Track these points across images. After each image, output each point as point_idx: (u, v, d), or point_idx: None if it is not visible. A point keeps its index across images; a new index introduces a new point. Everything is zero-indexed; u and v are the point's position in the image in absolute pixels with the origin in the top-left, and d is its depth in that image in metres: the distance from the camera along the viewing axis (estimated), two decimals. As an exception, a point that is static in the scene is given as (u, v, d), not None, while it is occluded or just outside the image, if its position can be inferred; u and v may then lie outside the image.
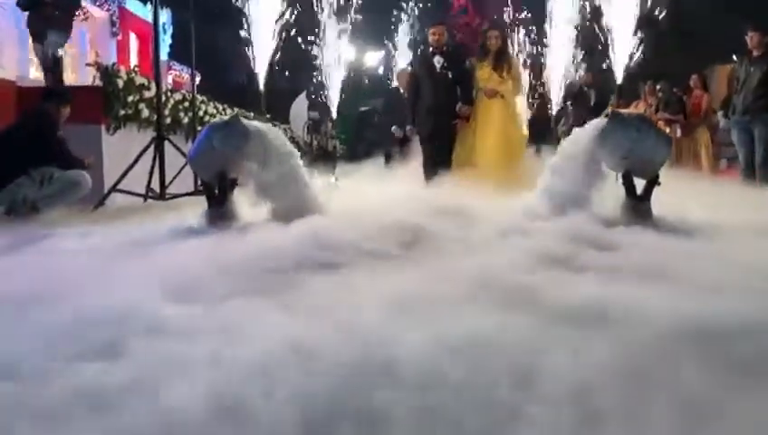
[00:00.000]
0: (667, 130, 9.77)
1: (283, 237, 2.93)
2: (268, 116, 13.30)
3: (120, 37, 16.55)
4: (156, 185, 6.03)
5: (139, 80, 6.75)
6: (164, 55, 18.63)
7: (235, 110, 10.45)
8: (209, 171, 3.93)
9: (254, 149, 3.82)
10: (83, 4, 14.25)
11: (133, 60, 16.93)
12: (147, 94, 6.69)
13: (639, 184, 3.70)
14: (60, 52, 6.66)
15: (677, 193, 4.52)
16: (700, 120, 9.88)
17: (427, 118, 6.97)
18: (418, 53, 7.63)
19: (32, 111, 5.22)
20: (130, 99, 6.51)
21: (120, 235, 3.66)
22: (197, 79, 8.54)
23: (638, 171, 3.70)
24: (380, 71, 22.21)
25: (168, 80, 18.21)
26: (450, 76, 6.86)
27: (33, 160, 4.94)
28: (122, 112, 6.45)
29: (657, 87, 10.44)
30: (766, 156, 7.13)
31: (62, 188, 5.00)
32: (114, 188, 5.53)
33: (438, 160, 6.75)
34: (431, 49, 7.09)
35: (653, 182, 3.68)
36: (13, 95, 6.82)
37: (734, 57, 8.04)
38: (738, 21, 8.21)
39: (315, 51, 16.88)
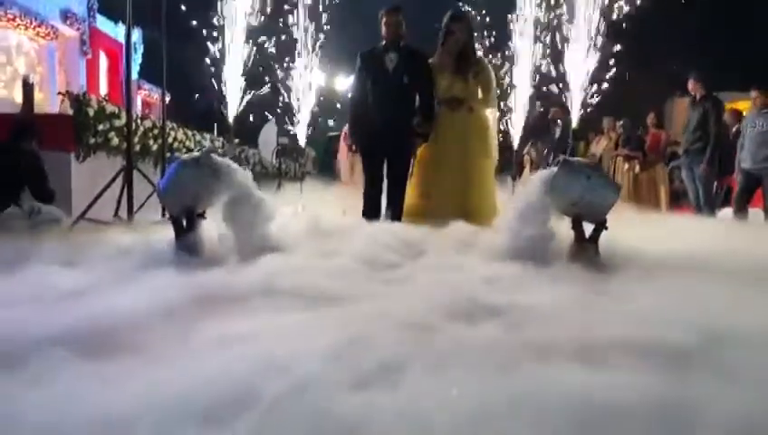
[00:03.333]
0: (627, 165, 10.17)
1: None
2: (237, 140, 13.46)
3: (89, 56, 16.52)
4: (123, 212, 6.14)
5: (110, 108, 6.84)
6: (134, 74, 18.63)
7: (206, 138, 10.56)
8: (177, 206, 4.02)
9: (223, 187, 3.94)
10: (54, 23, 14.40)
11: (102, 78, 16.96)
12: (117, 123, 6.79)
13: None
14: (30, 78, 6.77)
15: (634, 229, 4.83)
16: (658, 156, 10.27)
17: (371, 133, 5.48)
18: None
19: (14, 148, 5.35)
20: (101, 127, 6.61)
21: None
22: (167, 99, 8.60)
23: (587, 216, 3.91)
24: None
25: (138, 100, 18.22)
26: (406, 81, 5.38)
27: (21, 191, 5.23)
28: (92, 141, 6.54)
29: (619, 123, 10.84)
30: (706, 194, 7.63)
31: (47, 222, 5.17)
32: (82, 216, 5.62)
33: (390, 189, 5.48)
34: (383, 43, 5.52)
35: (601, 226, 3.89)
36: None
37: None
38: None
39: (286, 76, 17.00)
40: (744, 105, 12.14)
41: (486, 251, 3.80)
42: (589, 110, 11.52)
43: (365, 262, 3.32)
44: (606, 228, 3.87)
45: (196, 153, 4.08)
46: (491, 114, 5.92)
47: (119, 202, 6.05)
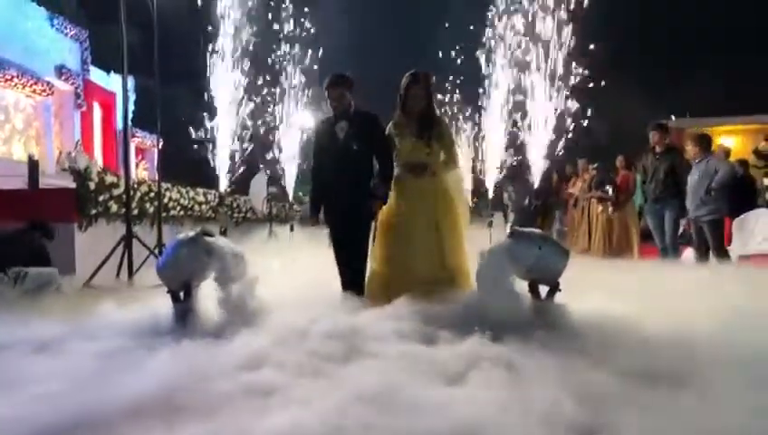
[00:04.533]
0: (600, 207, 10.69)
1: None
2: (229, 189, 13.95)
3: (83, 108, 16.98)
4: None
5: (109, 179, 7.32)
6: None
7: (199, 193, 10.96)
8: (175, 281, 4.47)
9: (215, 263, 4.40)
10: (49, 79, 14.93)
11: (97, 128, 17.46)
12: (116, 192, 7.27)
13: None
14: (35, 156, 7.28)
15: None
16: (627, 197, 10.78)
17: (330, 205, 5.38)
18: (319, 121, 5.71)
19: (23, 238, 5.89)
20: (101, 198, 7.09)
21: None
22: (160, 143, 9.04)
23: (541, 280, 4.38)
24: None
25: (132, 147, 18.70)
26: (356, 147, 5.21)
27: (10, 262, 5.54)
28: (94, 211, 7.02)
29: (591, 166, 11.39)
30: (673, 237, 8.17)
31: (37, 286, 5.52)
32: (87, 284, 6.07)
33: (350, 255, 5.24)
34: (333, 114, 5.38)
35: (554, 288, 4.37)
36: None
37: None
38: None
39: (275, 125, 17.44)
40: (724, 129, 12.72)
41: (446, 325, 4.01)
42: (560, 153, 12.07)
43: (313, 355, 3.34)
44: (560, 290, 4.35)
45: (191, 234, 4.53)
46: (455, 175, 5.67)
47: (120, 265, 6.51)
